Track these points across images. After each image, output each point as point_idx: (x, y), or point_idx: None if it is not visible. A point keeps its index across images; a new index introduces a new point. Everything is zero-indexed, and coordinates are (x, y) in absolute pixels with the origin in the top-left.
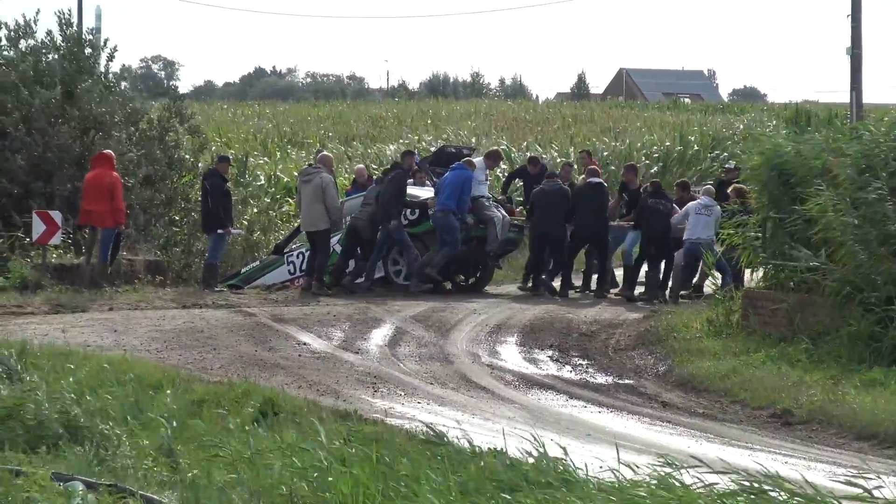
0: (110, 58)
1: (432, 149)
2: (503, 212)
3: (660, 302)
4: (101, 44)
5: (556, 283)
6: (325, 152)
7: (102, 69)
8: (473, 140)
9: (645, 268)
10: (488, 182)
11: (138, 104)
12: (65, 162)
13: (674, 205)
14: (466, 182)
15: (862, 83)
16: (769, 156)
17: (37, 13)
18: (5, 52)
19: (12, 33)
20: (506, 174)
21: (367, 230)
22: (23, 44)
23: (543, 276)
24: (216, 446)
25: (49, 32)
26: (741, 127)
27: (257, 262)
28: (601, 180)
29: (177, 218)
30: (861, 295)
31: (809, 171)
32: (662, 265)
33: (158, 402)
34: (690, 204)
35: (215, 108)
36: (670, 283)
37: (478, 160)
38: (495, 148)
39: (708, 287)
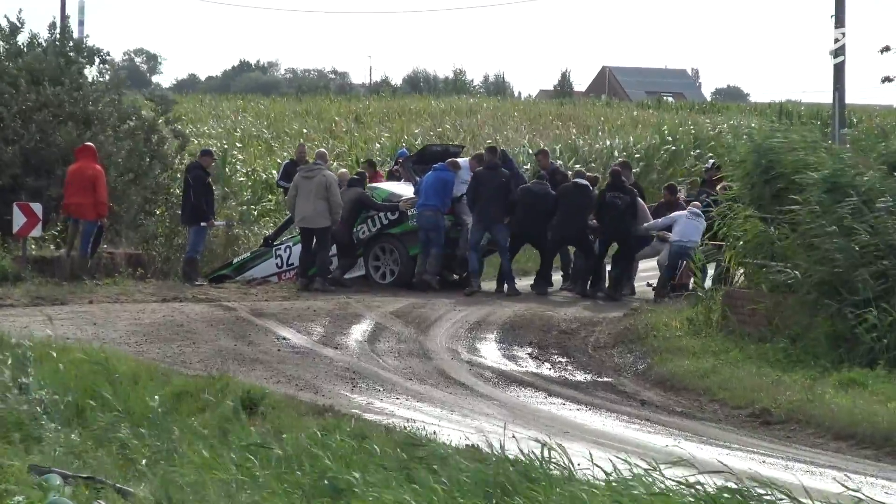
0: (96, 55)
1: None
2: None
3: (614, 300)
4: (84, 42)
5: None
6: (321, 149)
7: (90, 69)
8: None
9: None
10: None
11: (127, 101)
12: (58, 159)
13: (639, 200)
14: (447, 184)
15: (845, 84)
16: (757, 145)
17: (19, 12)
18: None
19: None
20: None
21: (344, 234)
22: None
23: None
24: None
25: (49, 32)
26: (725, 126)
27: (248, 254)
28: (587, 182)
29: (158, 212)
30: (835, 299)
31: (797, 164)
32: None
33: (136, 395)
34: (680, 213)
35: (196, 102)
36: (654, 283)
37: (463, 161)
38: (481, 151)
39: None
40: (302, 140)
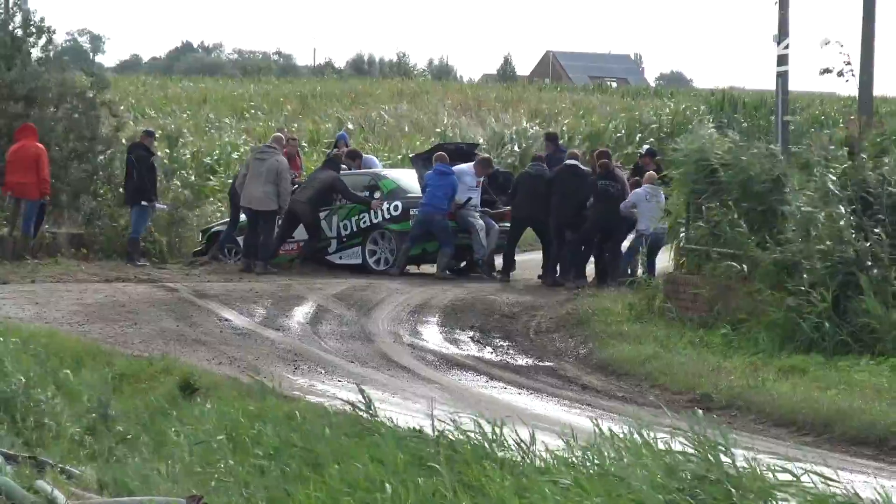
0: (45, 32)
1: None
2: (490, 221)
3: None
4: (31, 18)
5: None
6: (278, 133)
7: (36, 49)
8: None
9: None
10: (479, 188)
11: (69, 80)
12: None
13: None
14: (449, 186)
15: (788, 90)
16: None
17: None
18: None
19: None
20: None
21: (307, 214)
22: None
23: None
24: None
25: None
26: (667, 111)
27: None
28: (580, 165)
29: (101, 192)
30: (781, 287)
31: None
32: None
33: (78, 376)
34: (638, 191)
35: (140, 83)
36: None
37: (467, 166)
38: (486, 155)
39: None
40: (283, 129)
